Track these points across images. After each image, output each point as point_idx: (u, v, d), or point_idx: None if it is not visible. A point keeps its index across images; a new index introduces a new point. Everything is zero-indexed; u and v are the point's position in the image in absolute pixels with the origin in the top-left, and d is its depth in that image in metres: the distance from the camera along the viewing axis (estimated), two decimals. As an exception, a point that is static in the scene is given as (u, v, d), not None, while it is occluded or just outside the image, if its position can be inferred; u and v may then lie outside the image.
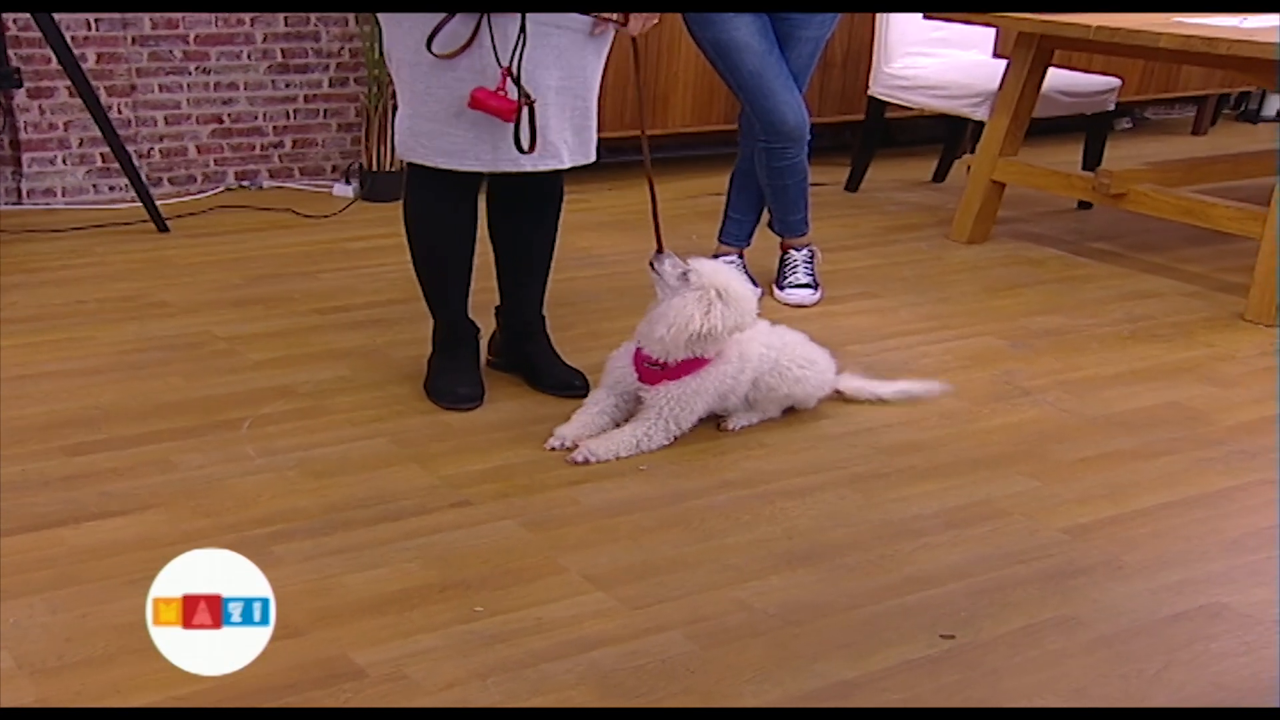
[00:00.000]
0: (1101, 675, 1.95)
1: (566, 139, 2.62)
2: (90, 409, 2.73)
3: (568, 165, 2.66)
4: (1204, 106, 6.29)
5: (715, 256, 3.52)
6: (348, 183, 4.62)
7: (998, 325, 3.47)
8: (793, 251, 3.64)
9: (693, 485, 2.51)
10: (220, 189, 4.56)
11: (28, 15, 3.92)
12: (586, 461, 2.55)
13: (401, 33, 2.53)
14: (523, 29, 2.46)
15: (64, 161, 4.31)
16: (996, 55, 4.88)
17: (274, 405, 2.78)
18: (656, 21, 2.62)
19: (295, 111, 4.63)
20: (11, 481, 2.40)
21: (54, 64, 3.95)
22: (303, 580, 2.10)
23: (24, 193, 4.28)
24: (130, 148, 4.19)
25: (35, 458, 2.50)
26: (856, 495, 2.49)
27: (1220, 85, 6.04)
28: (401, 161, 2.72)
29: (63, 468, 2.47)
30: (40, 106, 4.21)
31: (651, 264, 2.63)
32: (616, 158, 4.76)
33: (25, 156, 4.25)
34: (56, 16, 3.83)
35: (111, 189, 4.36)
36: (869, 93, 4.85)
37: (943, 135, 5.17)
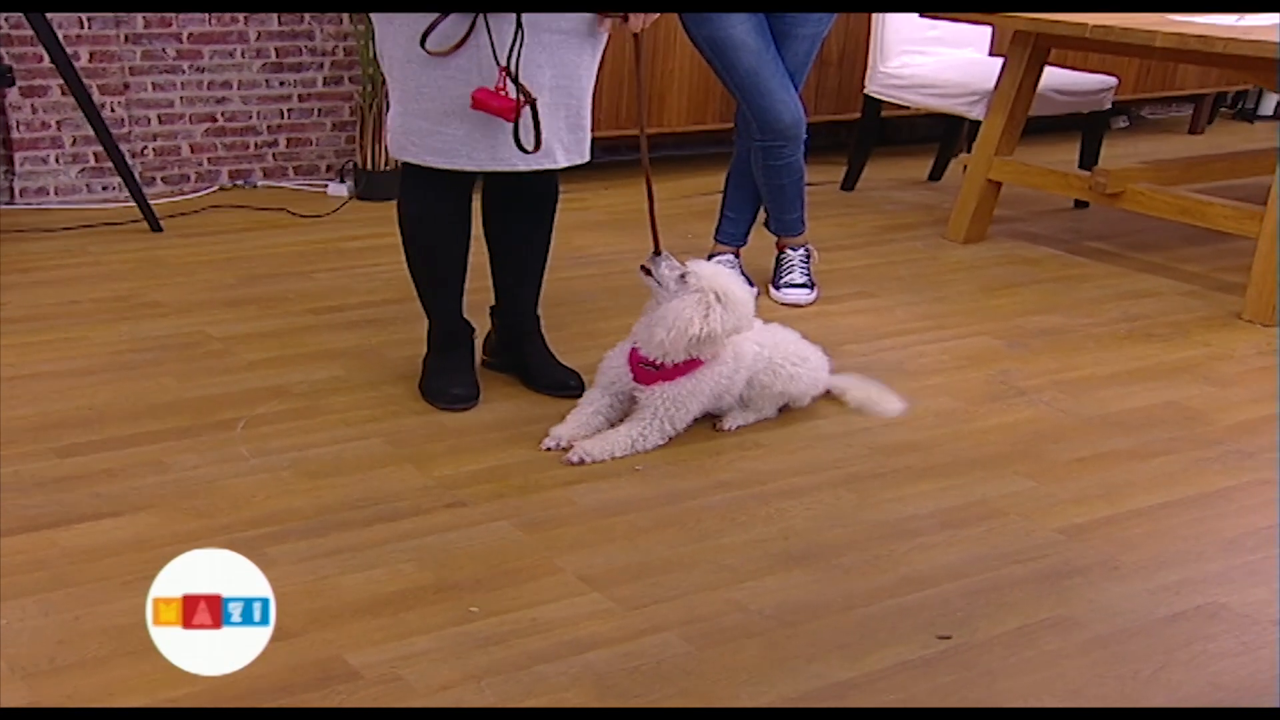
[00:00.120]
0: (1098, 676, 1.94)
1: (561, 139, 2.61)
2: (83, 409, 2.72)
3: (562, 165, 2.65)
4: (1201, 105, 6.29)
5: (711, 256, 3.52)
6: (342, 182, 4.61)
7: (994, 325, 3.46)
8: (789, 251, 3.64)
9: (688, 485, 2.50)
10: (214, 188, 4.55)
11: (20, 13, 3.91)
12: (582, 462, 2.55)
13: (394, 31, 2.52)
14: (519, 27, 2.45)
15: (57, 160, 4.29)
16: (992, 54, 4.88)
17: (268, 405, 2.77)
18: (656, 17, 2.61)
19: (289, 110, 4.61)
20: (4, 483, 2.39)
21: (46, 62, 3.94)
22: (297, 581, 2.09)
23: (16, 192, 4.27)
24: (123, 147, 4.17)
25: (27, 459, 2.49)
26: (852, 495, 2.48)
27: (1217, 84, 6.04)
28: (396, 161, 2.71)
29: (55, 469, 2.46)
30: (33, 105, 4.19)
31: (643, 267, 2.62)
32: (612, 157, 4.76)
33: (18, 155, 4.23)
34: (49, 14, 3.81)
35: (104, 188, 4.35)
36: (865, 91, 4.84)
37: (939, 134, 5.17)
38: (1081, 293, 3.77)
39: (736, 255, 3.69)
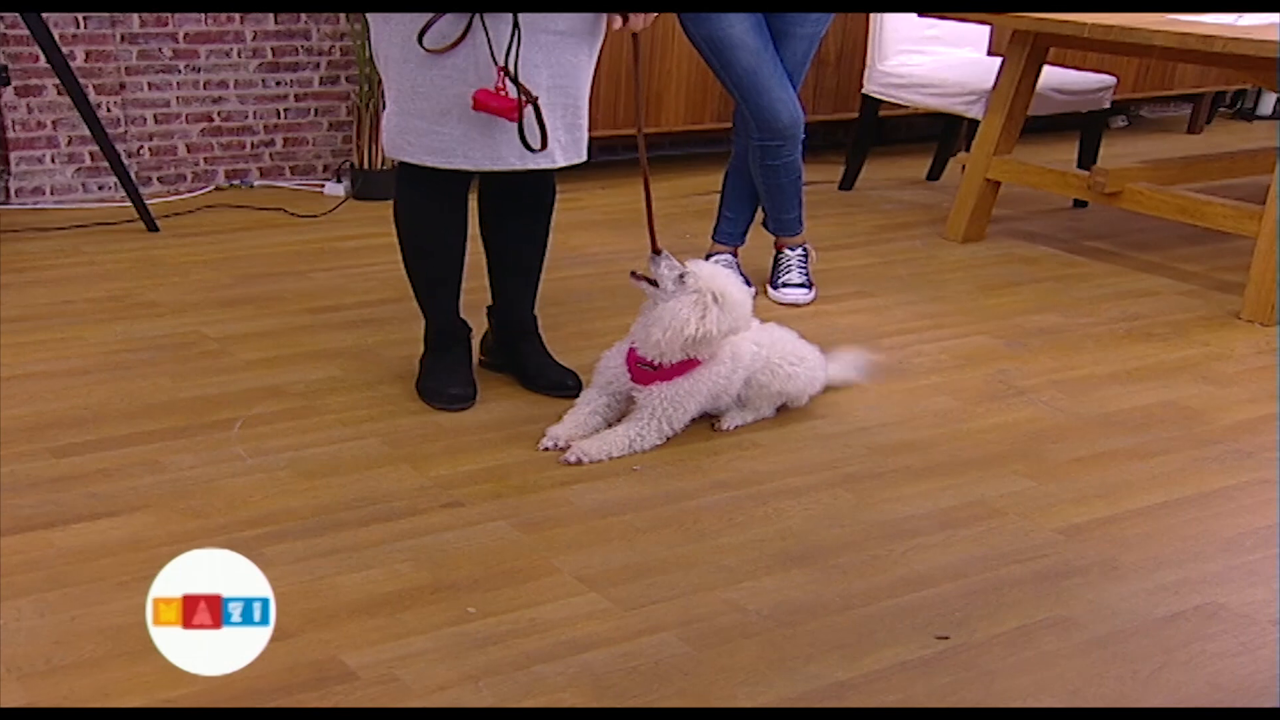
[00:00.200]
0: (1097, 676, 1.94)
1: (558, 138, 2.60)
2: (79, 409, 2.72)
3: (560, 165, 2.65)
4: (1199, 104, 6.29)
5: (709, 255, 3.51)
6: (339, 181, 4.60)
7: (992, 324, 3.46)
8: (787, 250, 3.63)
9: (686, 485, 2.49)
10: (210, 188, 4.55)
11: (15, 13, 3.90)
12: (579, 462, 2.54)
13: (389, 30, 2.52)
14: (516, 27, 2.45)
15: (52, 160, 4.28)
16: (991, 53, 4.88)
17: (265, 405, 2.76)
18: (654, 16, 2.60)
19: (286, 110, 4.61)
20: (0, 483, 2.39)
21: (42, 62, 3.93)
22: (294, 582, 2.08)
23: (12, 192, 4.26)
24: (119, 146, 4.17)
25: (23, 459, 2.48)
26: (850, 495, 2.48)
27: (1216, 83, 6.03)
28: (393, 160, 2.71)
29: (51, 469, 2.45)
30: (28, 105, 4.19)
31: (633, 273, 2.61)
32: (609, 157, 4.76)
33: (13, 155, 4.22)
34: (44, 14, 3.81)
35: (100, 188, 4.34)
36: (863, 91, 4.83)
37: (937, 133, 5.16)
38: (1080, 292, 3.77)
39: (734, 255, 3.68)
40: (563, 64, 2.56)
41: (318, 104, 4.64)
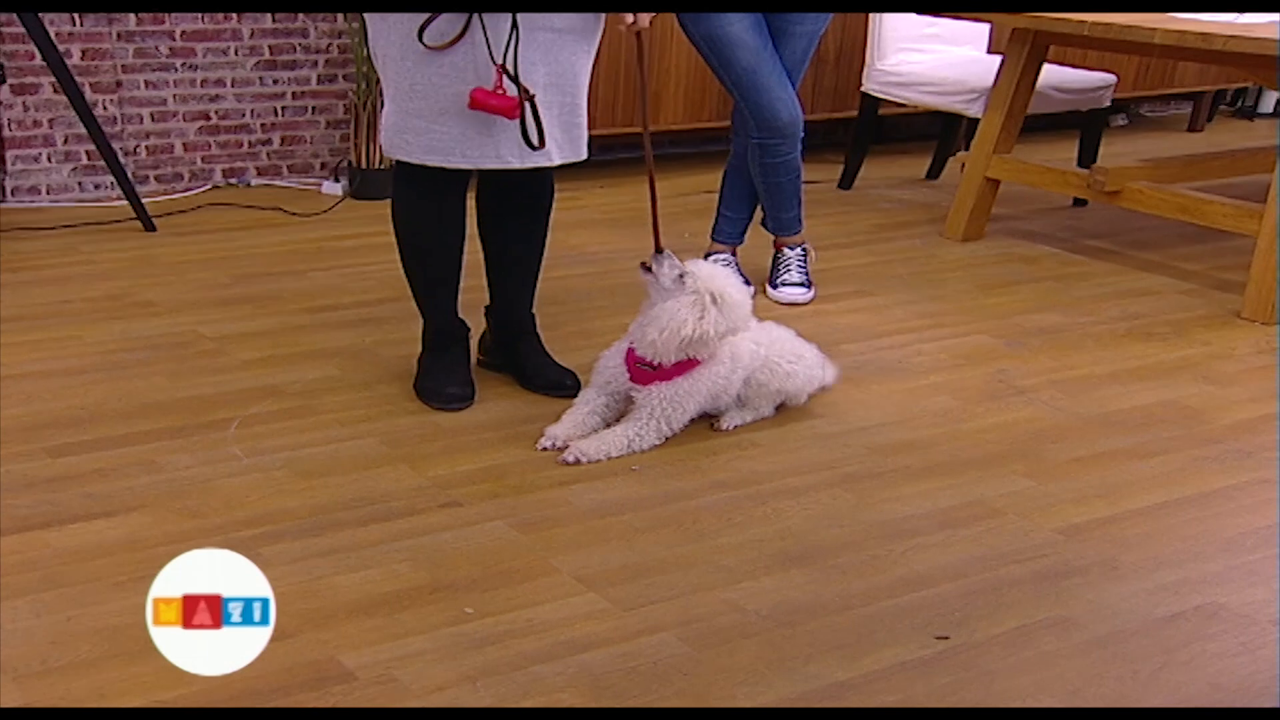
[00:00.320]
0: (1097, 676, 1.93)
1: (556, 137, 2.60)
2: (76, 409, 2.71)
3: (557, 163, 2.64)
4: (1200, 103, 6.29)
5: (708, 255, 3.50)
6: (336, 180, 4.59)
7: (992, 323, 3.45)
8: (786, 250, 3.62)
9: (685, 485, 2.49)
10: (207, 187, 4.54)
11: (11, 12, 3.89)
12: (578, 462, 2.53)
13: (387, 28, 2.51)
14: (514, 25, 2.44)
15: (49, 159, 4.27)
16: (990, 51, 4.87)
17: (262, 405, 2.75)
18: (654, 15, 2.60)
19: (283, 108, 4.60)
20: (-5, 483, 2.38)
21: (38, 60, 3.92)
22: (291, 582, 2.07)
23: (8, 190, 4.24)
24: (116, 145, 4.16)
25: (18, 459, 2.47)
26: (850, 495, 2.47)
27: (1216, 81, 6.03)
28: (390, 159, 2.70)
29: (47, 469, 2.44)
30: (24, 103, 4.18)
31: (643, 264, 2.61)
32: (607, 155, 4.75)
33: (9, 154, 4.21)
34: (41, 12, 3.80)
35: (97, 187, 4.33)
36: (862, 89, 4.83)
37: (937, 132, 5.16)
38: (1080, 291, 3.76)
39: (734, 254, 3.68)
40: (561, 62, 2.55)
41: (315, 103, 4.64)
